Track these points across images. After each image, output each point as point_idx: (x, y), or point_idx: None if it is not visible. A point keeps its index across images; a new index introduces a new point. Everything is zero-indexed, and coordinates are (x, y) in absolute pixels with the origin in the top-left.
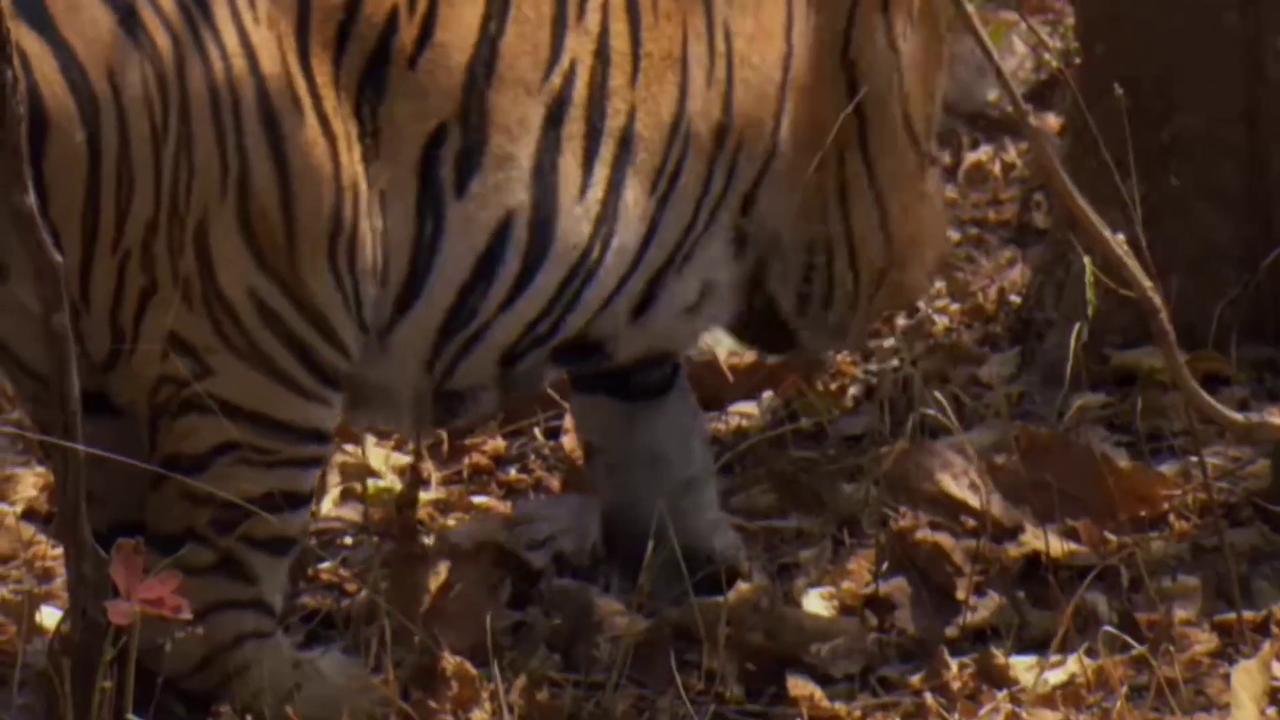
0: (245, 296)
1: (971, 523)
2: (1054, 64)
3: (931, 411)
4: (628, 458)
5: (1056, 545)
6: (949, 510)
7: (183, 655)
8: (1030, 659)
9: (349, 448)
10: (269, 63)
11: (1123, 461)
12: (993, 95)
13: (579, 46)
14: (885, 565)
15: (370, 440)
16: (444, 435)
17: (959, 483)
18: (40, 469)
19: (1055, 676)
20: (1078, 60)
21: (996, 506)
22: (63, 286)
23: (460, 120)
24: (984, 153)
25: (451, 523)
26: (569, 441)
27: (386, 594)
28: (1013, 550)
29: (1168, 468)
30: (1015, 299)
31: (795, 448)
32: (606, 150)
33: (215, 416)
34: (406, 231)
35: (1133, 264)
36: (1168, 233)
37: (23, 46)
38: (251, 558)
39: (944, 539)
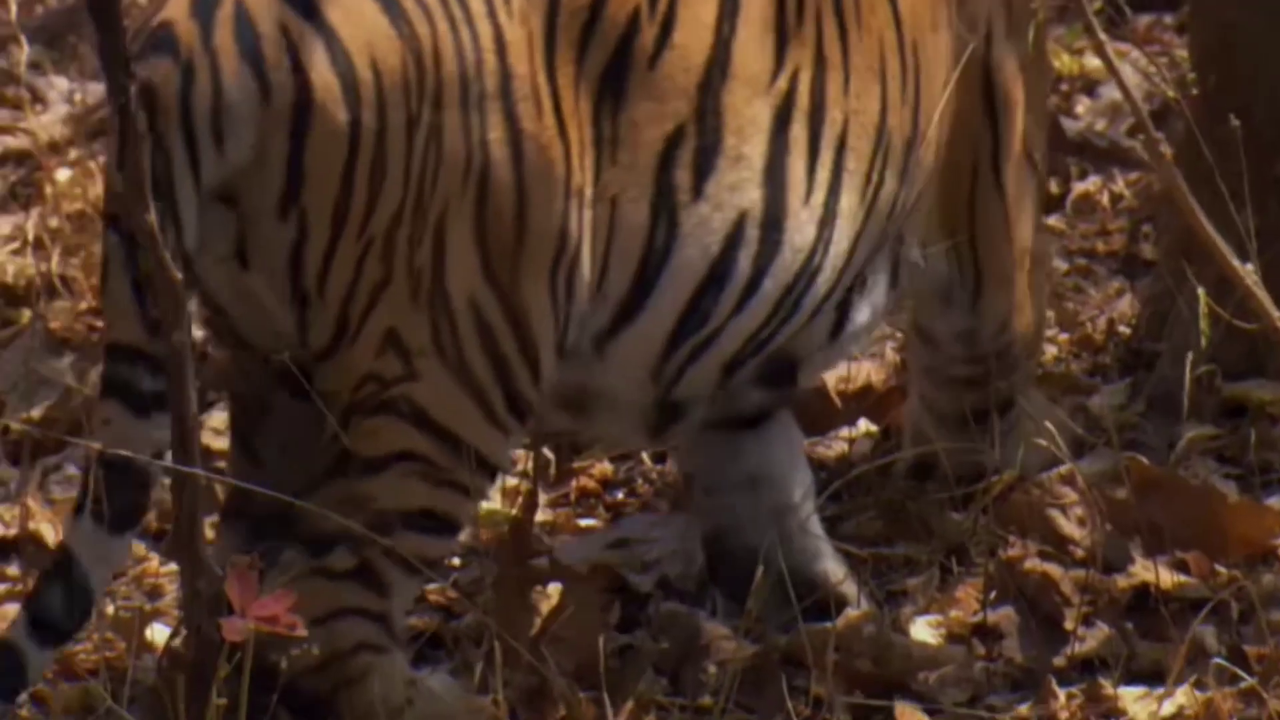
0: (466, 304)
1: (1080, 553)
2: (1170, 94)
3: (1041, 441)
4: (727, 482)
5: (1166, 577)
6: (1057, 540)
7: (303, 650)
8: (1138, 690)
9: None
10: (517, 60)
11: (1233, 495)
12: (1100, 125)
13: (799, 52)
14: (993, 594)
15: None
16: (552, 458)
17: (1067, 514)
18: None
19: (1164, 708)
20: (1194, 91)
21: (1105, 539)
22: (184, 305)
23: (697, 121)
24: (1092, 183)
25: (559, 544)
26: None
27: (496, 616)
28: (1121, 581)
29: (1278, 501)
30: (1124, 330)
31: (903, 475)
32: (826, 155)
33: (405, 423)
34: (638, 238)
35: (1261, 294)
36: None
37: (290, 31)
38: (390, 572)
39: (1052, 569)
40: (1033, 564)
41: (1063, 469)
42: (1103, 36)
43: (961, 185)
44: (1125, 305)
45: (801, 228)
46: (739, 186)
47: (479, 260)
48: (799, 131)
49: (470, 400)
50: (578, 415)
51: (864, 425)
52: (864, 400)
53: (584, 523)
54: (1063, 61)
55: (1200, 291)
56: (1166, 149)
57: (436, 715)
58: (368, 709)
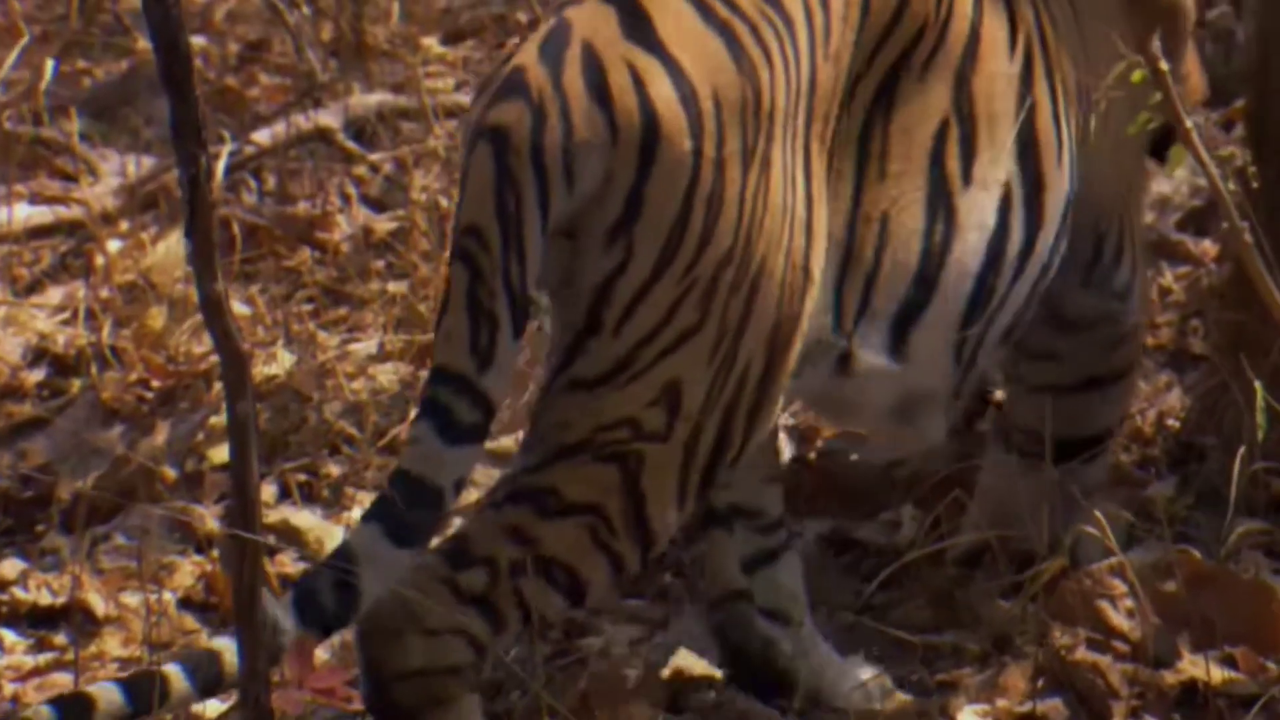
0: (742, 371)
1: (1128, 646)
2: (1232, 187)
3: (1091, 530)
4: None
5: (1215, 673)
6: (1106, 632)
7: (405, 653)
8: None
9: None
10: (821, 101)
11: None
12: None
13: (1023, 20)
14: (1041, 684)
15: None
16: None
17: (1117, 606)
18: (198, 557)
19: None
20: (1254, 183)
21: (1154, 632)
22: (247, 375)
23: (956, 109)
24: None
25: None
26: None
27: (549, 691)
28: (1169, 676)
29: None
30: (1173, 423)
31: (952, 562)
32: (1061, 117)
33: (622, 479)
34: (913, 243)
35: None
36: None
37: (636, 66)
38: (512, 614)
39: (1101, 660)
40: (1082, 654)
41: (1112, 560)
42: (1189, 123)
43: (1124, 158)
44: (1174, 399)
45: (1055, 187)
46: (998, 160)
47: (774, 321)
48: (1041, 97)
49: (677, 473)
50: (904, 423)
51: (910, 510)
52: (915, 487)
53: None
54: None
55: (1256, 384)
56: (1201, 246)
57: None
58: None
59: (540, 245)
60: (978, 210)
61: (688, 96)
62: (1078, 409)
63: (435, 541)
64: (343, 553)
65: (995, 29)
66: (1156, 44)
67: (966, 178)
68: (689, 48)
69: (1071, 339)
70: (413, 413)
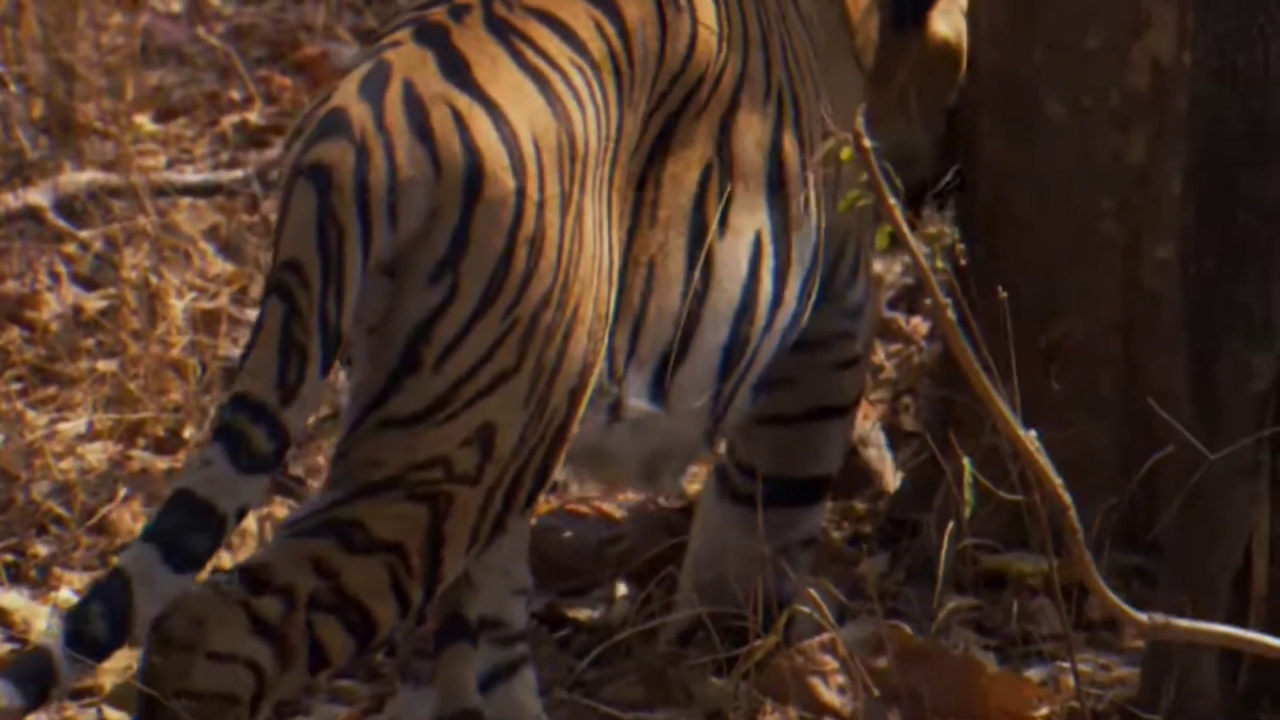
0: (550, 415)
1: None
2: (940, 264)
3: (805, 609)
4: None
5: None
6: (817, 708)
7: (188, 672)
8: None
9: None
10: (624, 150)
11: (992, 666)
12: None
13: (775, 63)
14: None
15: None
16: None
17: (828, 682)
18: None
19: None
20: (961, 261)
21: (865, 708)
22: None
23: (717, 154)
24: None
25: None
26: None
27: None
28: None
29: (1036, 673)
30: (885, 501)
31: (664, 640)
32: (804, 157)
33: (429, 519)
34: (675, 288)
35: (1043, 461)
36: (1042, 437)
37: (457, 107)
38: (300, 647)
39: None
40: None
41: (824, 636)
42: (893, 200)
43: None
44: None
45: (804, 233)
46: (753, 208)
47: (580, 368)
48: (788, 143)
49: (476, 517)
50: (654, 474)
51: (622, 587)
52: (627, 563)
53: None
54: None
55: (965, 461)
56: (912, 324)
57: None
58: None
59: (359, 283)
60: (733, 259)
61: (509, 137)
62: (803, 443)
63: (236, 561)
64: (117, 573)
65: (756, 75)
66: (860, 120)
67: (723, 225)
68: (507, 92)
69: (804, 358)
70: (122, 492)
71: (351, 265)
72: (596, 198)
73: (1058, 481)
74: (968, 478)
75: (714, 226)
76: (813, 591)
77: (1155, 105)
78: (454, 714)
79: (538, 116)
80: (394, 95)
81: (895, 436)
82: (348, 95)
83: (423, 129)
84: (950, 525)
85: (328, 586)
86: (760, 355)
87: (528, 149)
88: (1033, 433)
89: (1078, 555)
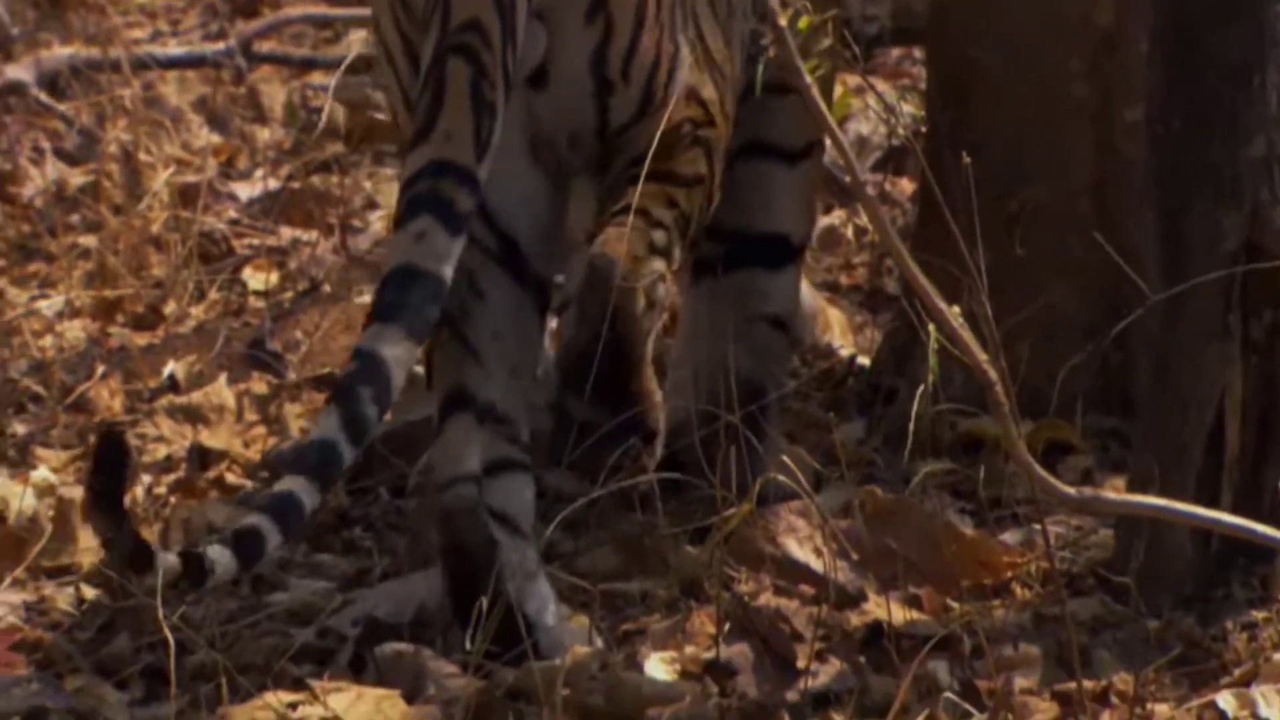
0: (721, 59)
1: (812, 588)
2: (901, 132)
3: (779, 477)
4: None
5: (899, 613)
6: (793, 575)
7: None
8: None
9: None
10: None
11: (966, 529)
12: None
13: None
14: (727, 629)
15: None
16: None
17: (803, 547)
18: None
19: None
20: (923, 128)
21: (840, 572)
22: None
23: None
24: (836, 217)
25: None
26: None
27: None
28: (855, 617)
29: (1011, 536)
30: (864, 363)
31: (639, 508)
32: None
33: (704, 156)
34: None
35: (968, 336)
36: (1014, 302)
37: None
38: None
39: (786, 603)
40: (766, 599)
41: (798, 501)
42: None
43: None
44: (867, 339)
45: None
46: None
47: (713, 20)
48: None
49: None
50: None
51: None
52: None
53: (320, 557)
54: None
55: (931, 328)
56: (899, 185)
57: None
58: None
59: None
60: None
61: None
62: (750, 188)
63: None
64: (368, 355)
65: None
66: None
67: None
68: None
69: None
70: (100, 370)
71: (521, 18)
72: None
73: (983, 356)
74: (932, 344)
75: None
76: (787, 460)
77: None
78: (451, 479)
79: None
80: None
81: (878, 300)
82: None
83: None
84: (921, 390)
85: (679, 213)
86: None
87: None
88: (955, 307)
89: (1002, 428)
